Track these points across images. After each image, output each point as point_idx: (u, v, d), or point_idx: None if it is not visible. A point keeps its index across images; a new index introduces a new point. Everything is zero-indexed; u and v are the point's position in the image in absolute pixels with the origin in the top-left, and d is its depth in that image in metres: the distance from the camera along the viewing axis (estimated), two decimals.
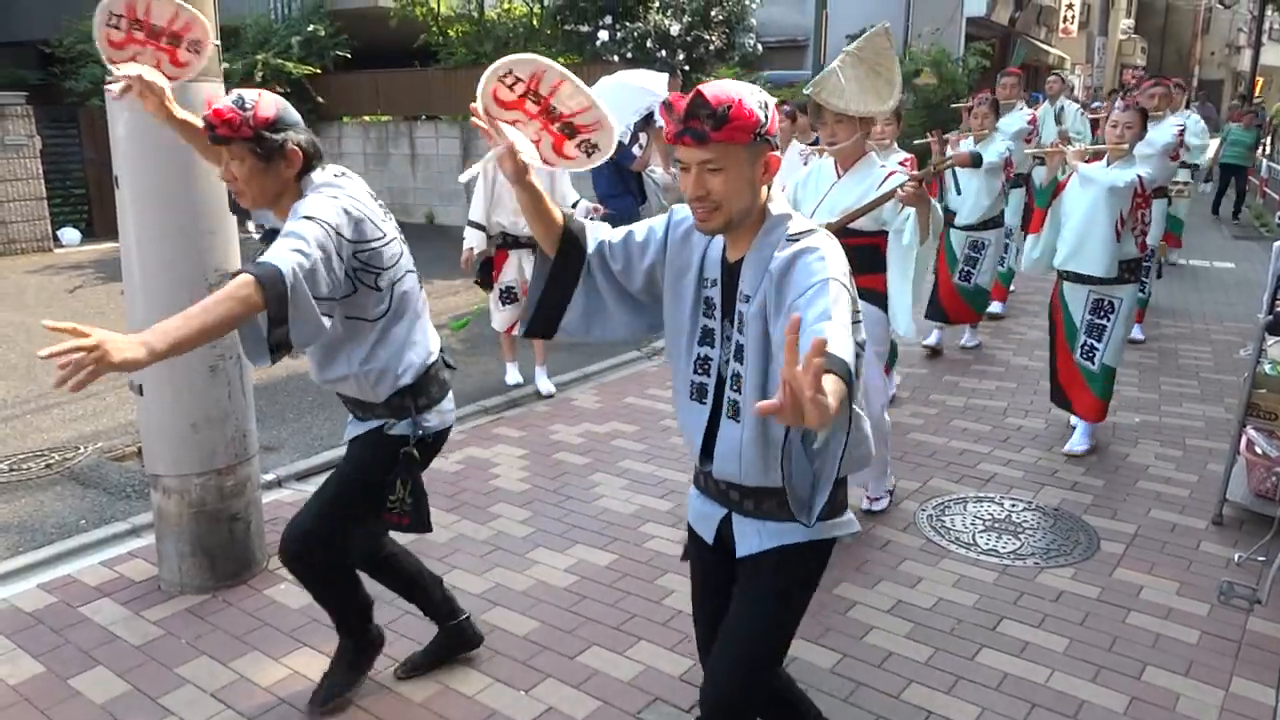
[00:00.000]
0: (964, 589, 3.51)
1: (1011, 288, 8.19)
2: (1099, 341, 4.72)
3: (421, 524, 2.69)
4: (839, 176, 3.70)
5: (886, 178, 3.55)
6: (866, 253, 3.54)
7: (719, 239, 1.95)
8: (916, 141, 6.91)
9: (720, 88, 1.75)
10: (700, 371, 1.99)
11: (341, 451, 4.91)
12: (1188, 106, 9.46)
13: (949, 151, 6.31)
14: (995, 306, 7.78)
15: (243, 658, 3.07)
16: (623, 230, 2.11)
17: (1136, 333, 6.95)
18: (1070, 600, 3.42)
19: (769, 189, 1.90)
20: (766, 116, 1.78)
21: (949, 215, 6.48)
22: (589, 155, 2.14)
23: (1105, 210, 4.50)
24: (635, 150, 7.34)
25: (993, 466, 4.69)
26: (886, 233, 3.65)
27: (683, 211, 2.01)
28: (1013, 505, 4.24)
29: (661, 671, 2.99)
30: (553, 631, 3.22)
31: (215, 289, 3.33)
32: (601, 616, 3.32)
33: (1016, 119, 7.60)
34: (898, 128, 5.29)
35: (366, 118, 14.44)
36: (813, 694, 2.86)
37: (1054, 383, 5.01)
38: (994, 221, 6.56)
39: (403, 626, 3.24)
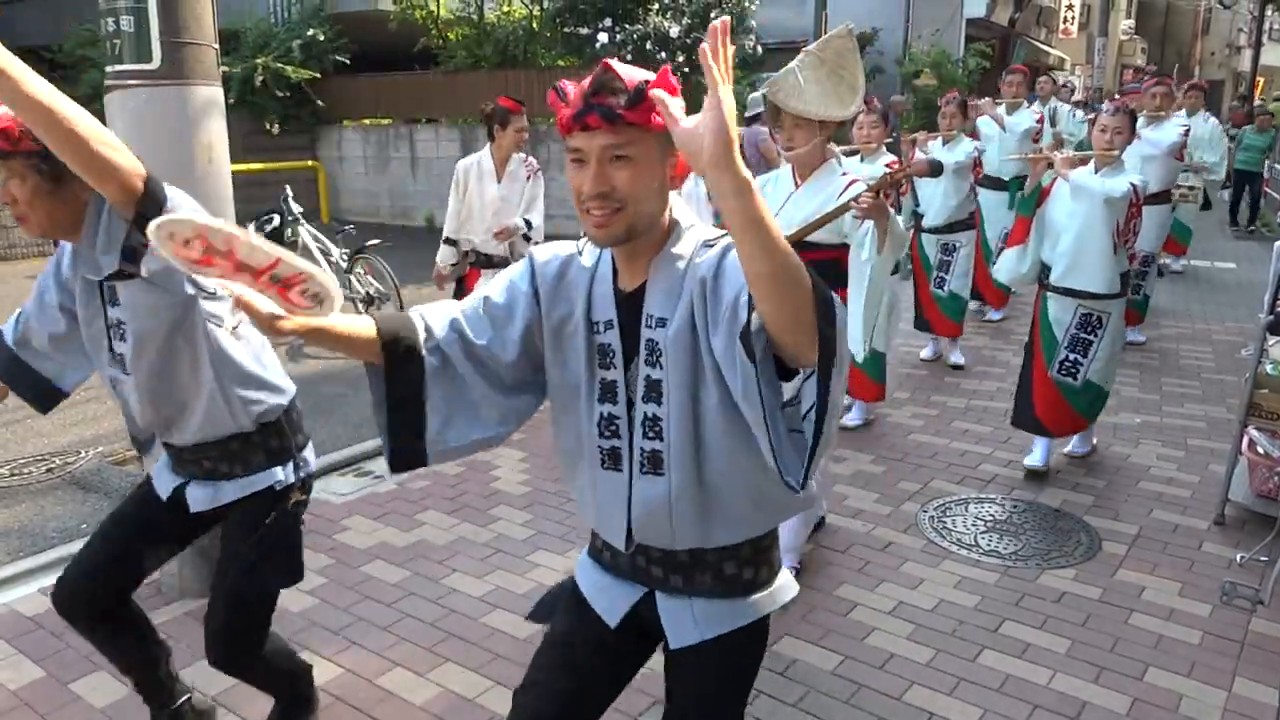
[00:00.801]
0: (965, 590, 3.50)
1: (1015, 290, 8.15)
2: (1083, 356, 4.42)
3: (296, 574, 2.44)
4: (797, 185, 3.44)
5: (848, 186, 3.30)
6: (826, 267, 3.32)
7: (604, 273, 1.64)
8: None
9: (631, 67, 1.51)
10: (609, 434, 1.65)
11: (342, 454, 4.92)
12: (1209, 109, 9.26)
13: (918, 154, 6.26)
14: (993, 313, 7.75)
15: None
16: (473, 299, 1.72)
17: (1135, 335, 6.90)
18: (1072, 601, 3.42)
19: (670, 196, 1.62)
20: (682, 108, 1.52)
21: (917, 219, 6.40)
22: (320, 304, 1.47)
23: (1102, 222, 4.24)
24: None
25: (994, 468, 4.68)
26: (848, 246, 3.42)
27: (544, 253, 1.71)
28: (1014, 506, 4.23)
29: (662, 674, 2.98)
30: None
31: (214, 290, 3.34)
32: None
33: (1024, 118, 7.43)
34: (885, 131, 5.13)
35: (367, 121, 14.46)
36: (813, 696, 2.87)
37: (1020, 404, 4.65)
38: (963, 224, 6.36)
39: (404, 630, 3.24)
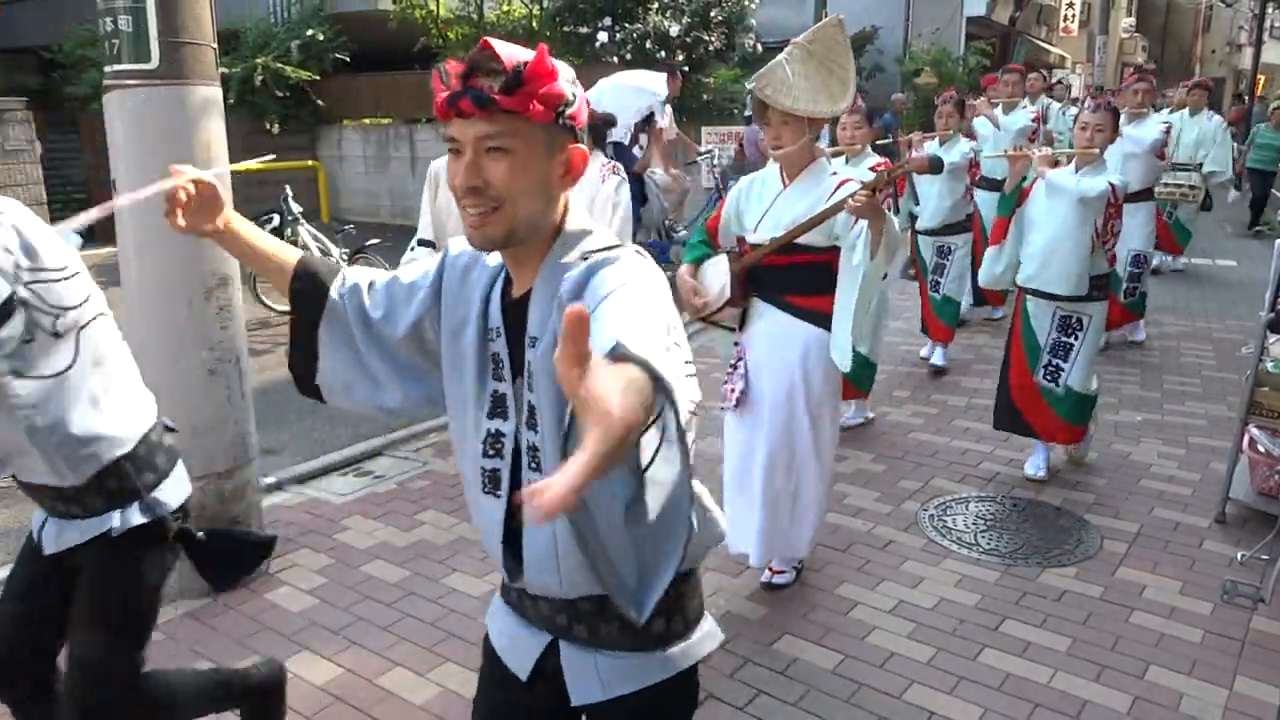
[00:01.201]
0: (966, 589, 3.50)
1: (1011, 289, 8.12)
2: (1064, 361, 4.31)
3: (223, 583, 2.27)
4: (785, 185, 3.24)
5: (839, 186, 3.10)
6: (817, 271, 3.19)
7: (504, 276, 1.49)
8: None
9: (514, 46, 1.34)
10: (492, 453, 1.48)
11: (342, 454, 4.93)
12: (1212, 107, 9.10)
13: (914, 153, 6.11)
14: (996, 311, 7.70)
15: (243, 662, 3.05)
16: (390, 272, 1.67)
17: (1138, 333, 6.87)
18: (1072, 600, 3.41)
19: (567, 197, 1.45)
20: (574, 95, 1.37)
21: (913, 219, 6.24)
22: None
23: (1076, 223, 4.12)
24: (635, 152, 7.35)
25: (995, 466, 4.68)
26: (839, 249, 3.18)
27: (458, 245, 1.55)
28: (1014, 505, 4.23)
29: None
30: None
31: (214, 293, 3.35)
32: None
33: (1020, 117, 7.33)
34: (870, 131, 5.00)
35: (366, 121, 14.46)
36: (814, 694, 2.86)
37: (1002, 405, 4.57)
38: (959, 226, 6.23)
39: (404, 630, 3.24)
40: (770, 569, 3.52)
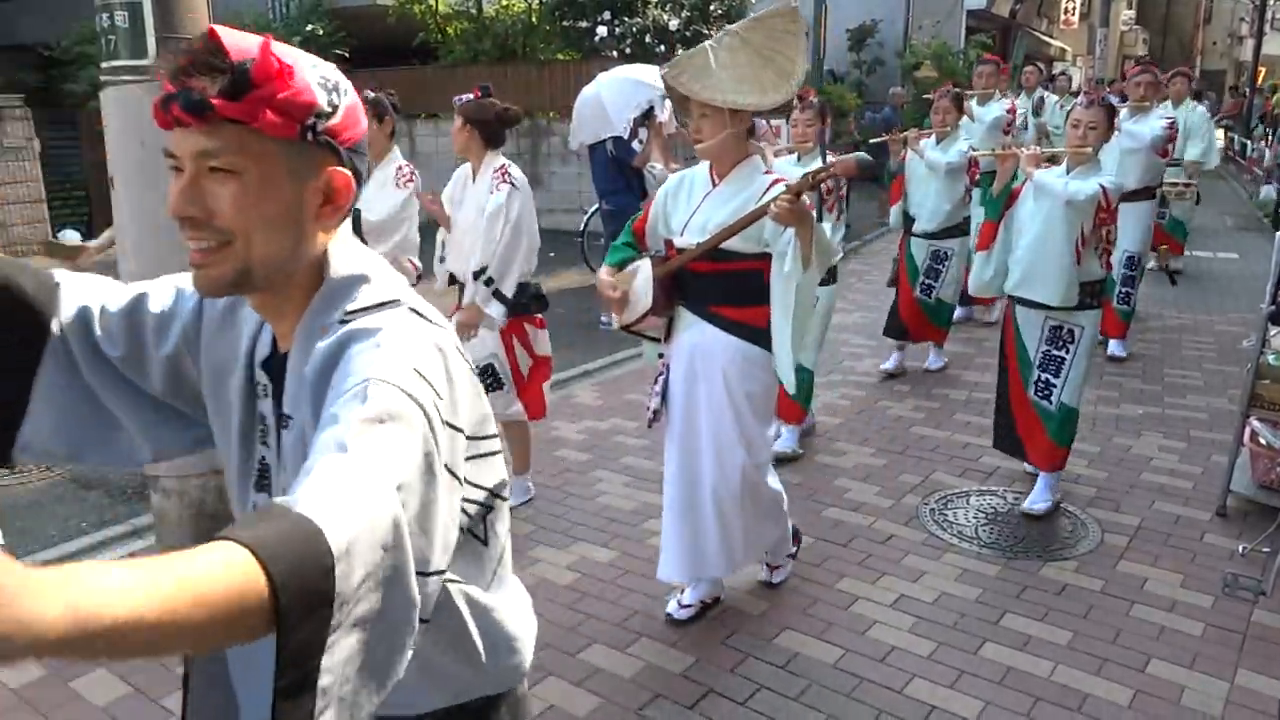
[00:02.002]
0: (966, 583, 3.50)
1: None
2: (1055, 376, 3.97)
3: None
4: (715, 184, 2.99)
5: (770, 187, 2.85)
6: (746, 280, 2.93)
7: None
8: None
9: (252, 37, 1.04)
10: None
11: None
12: (1197, 98, 8.78)
13: (914, 151, 5.77)
14: (990, 312, 7.57)
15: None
16: (130, 291, 1.27)
17: (1118, 349, 6.39)
18: (1073, 593, 3.41)
19: (333, 233, 1.13)
20: (333, 104, 1.06)
21: (908, 222, 5.94)
22: None
23: (1062, 228, 3.80)
24: (635, 145, 7.34)
25: (995, 460, 4.67)
26: (771, 256, 2.89)
27: None
28: (1015, 499, 4.22)
29: (663, 668, 2.98)
30: (554, 629, 3.21)
31: None
32: (603, 613, 3.31)
33: (993, 109, 6.98)
34: (822, 127, 4.60)
35: None
36: (815, 689, 2.86)
37: (1000, 424, 4.29)
38: (958, 229, 5.85)
39: None
40: (769, 565, 3.50)
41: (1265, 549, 3.50)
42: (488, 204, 3.72)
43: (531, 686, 2.89)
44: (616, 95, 7.28)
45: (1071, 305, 3.85)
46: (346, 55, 13.93)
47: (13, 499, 4.34)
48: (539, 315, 3.99)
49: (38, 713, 2.80)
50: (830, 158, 2.80)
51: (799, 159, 4.60)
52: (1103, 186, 3.76)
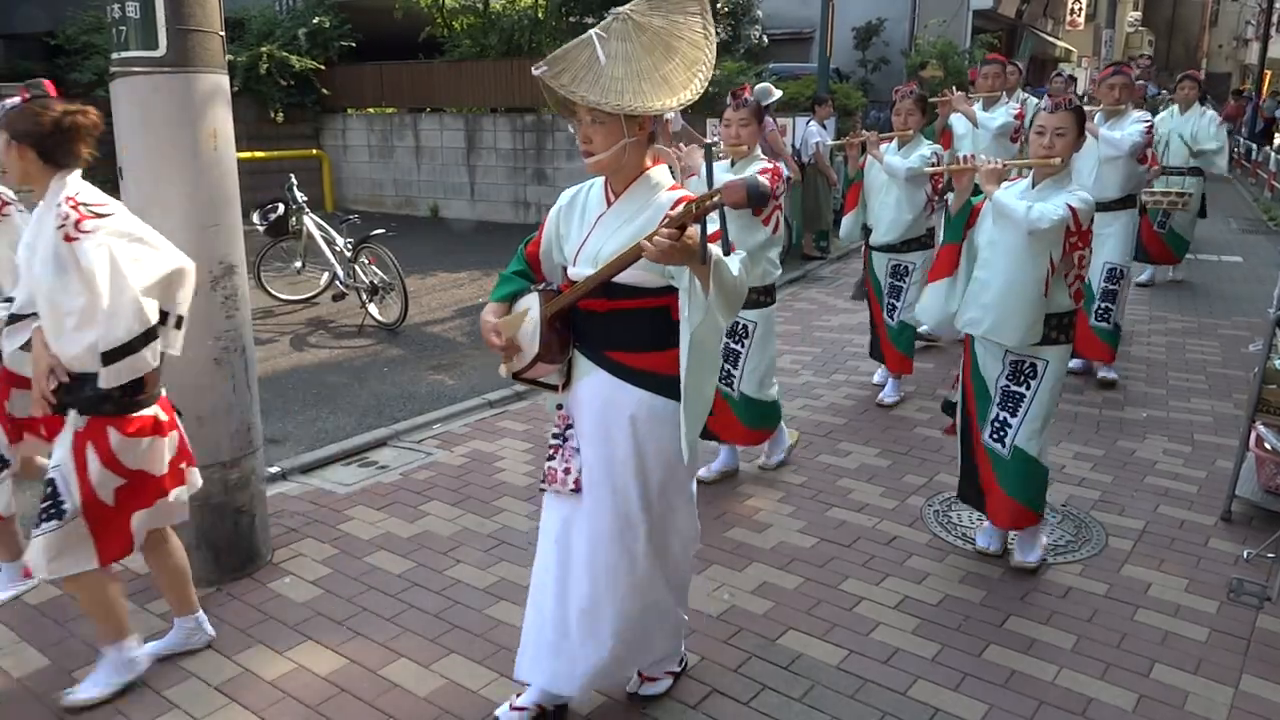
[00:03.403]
0: (971, 585, 3.49)
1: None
2: (1013, 415, 3.48)
3: None
4: (609, 202, 2.49)
5: (674, 205, 2.34)
6: (648, 320, 2.41)
7: None
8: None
9: None
10: None
11: (346, 444, 4.92)
12: (1202, 101, 8.39)
13: (873, 156, 5.30)
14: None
15: (247, 651, 3.06)
16: None
17: (1109, 372, 5.90)
18: (1078, 597, 3.41)
19: None
20: None
21: (866, 234, 5.54)
22: None
23: (1026, 260, 3.31)
24: None
25: None
26: (677, 291, 2.36)
27: None
28: None
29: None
30: None
31: (219, 281, 3.34)
32: None
33: (1000, 114, 6.42)
34: (759, 129, 4.15)
35: (371, 110, 14.43)
36: (819, 690, 2.86)
37: (965, 470, 3.77)
38: (919, 242, 5.40)
39: (408, 621, 3.24)
40: (641, 675, 2.80)
41: (1270, 554, 3.49)
42: (45, 246, 2.61)
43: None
44: None
45: (1037, 341, 3.40)
46: (353, 48, 13.93)
47: (19, 491, 4.33)
48: (145, 413, 2.73)
49: (41, 703, 2.80)
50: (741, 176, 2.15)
51: (732, 164, 4.15)
52: (1070, 207, 3.24)
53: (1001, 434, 3.53)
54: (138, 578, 3.51)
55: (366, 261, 7.57)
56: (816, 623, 3.23)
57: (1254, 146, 19.34)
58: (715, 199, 2.09)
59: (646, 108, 2.26)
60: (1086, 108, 5.60)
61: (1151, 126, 5.81)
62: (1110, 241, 5.76)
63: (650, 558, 2.56)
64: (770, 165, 4.05)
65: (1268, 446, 3.98)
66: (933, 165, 5.03)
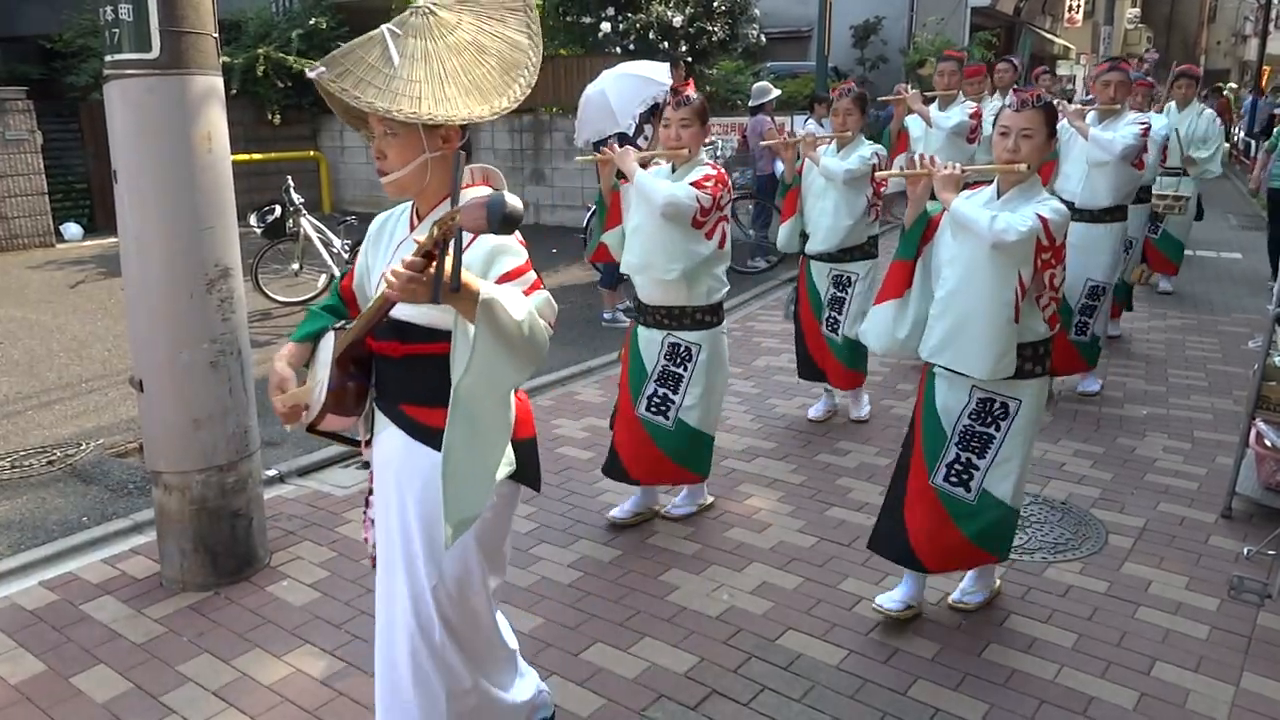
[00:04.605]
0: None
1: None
2: (980, 457, 3.04)
3: None
4: (412, 226, 2.16)
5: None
6: (441, 367, 1.93)
7: None
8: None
9: None
10: None
11: (345, 447, 4.91)
12: (1203, 99, 8.07)
13: (809, 159, 4.85)
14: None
15: (245, 655, 3.05)
16: None
17: (1091, 383, 5.63)
18: (1078, 595, 3.40)
19: None
20: None
21: (803, 241, 5.08)
22: None
23: (994, 279, 2.87)
24: (640, 142, 7.31)
25: None
26: None
27: None
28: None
29: (666, 668, 2.97)
30: (556, 628, 3.20)
31: (215, 284, 3.33)
32: (605, 613, 3.30)
33: (955, 113, 6.05)
34: (701, 130, 3.68)
35: None
36: (819, 690, 2.85)
37: (885, 522, 3.29)
38: (861, 250, 4.97)
39: None
40: None
41: (1271, 551, 3.48)
42: None
43: None
44: (621, 92, 7.24)
45: (1008, 376, 2.97)
46: None
47: (14, 492, 4.33)
48: None
49: (37, 708, 2.79)
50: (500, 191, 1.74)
51: (673, 169, 3.75)
52: (1041, 218, 2.83)
53: (964, 477, 3.07)
54: (135, 582, 3.50)
55: None
56: (816, 622, 3.22)
57: (1252, 143, 19.35)
58: (453, 221, 1.63)
59: (450, 116, 1.90)
60: (1079, 106, 5.51)
61: (1148, 128, 5.29)
62: (1097, 256, 5.31)
63: (433, 651, 2.16)
64: (713, 172, 3.61)
65: (1268, 443, 3.97)
66: (874, 166, 4.72)
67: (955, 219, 2.94)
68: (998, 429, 3.03)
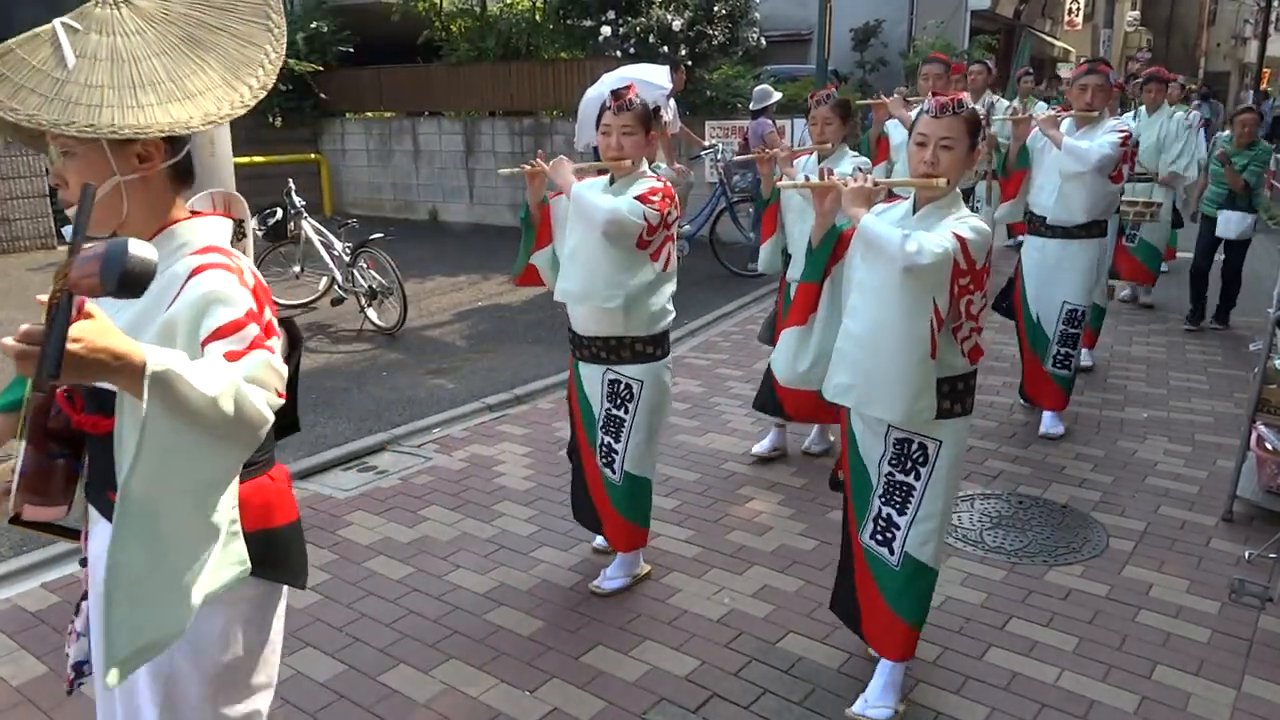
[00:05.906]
0: (971, 587, 3.48)
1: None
2: (900, 514, 2.70)
3: None
4: None
5: (191, 276, 1.56)
6: None
7: None
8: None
9: None
10: None
11: (345, 449, 4.91)
12: (1189, 101, 7.79)
13: (787, 174, 4.18)
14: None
15: None
16: None
17: (1052, 424, 5.01)
18: (1079, 598, 3.40)
19: None
20: None
21: (786, 264, 4.42)
22: None
23: (906, 307, 2.50)
24: None
25: (999, 463, 4.65)
26: None
27: None
28: (1020, 502, 4.20)
29: (667, 671, 2.97)
30: (557, 631, 3.20)
31: None
32: (606, 616, 3.30)
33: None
34: (645, 139, 3.24)
35: (369, 114, 14.43)
36: (819, 693, 2.85)
37: (840, 581, 3.02)
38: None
39: (407, 626, 3.23)
40: None
41: (1272, 555, 3.48)
42: None
43: (534, 689, 2.89)
44: None
45: (927, 419, 2.60)
46: (351, 52, 13.93)
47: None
48: None
49: (39, 710, 2.79)
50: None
51: (611, 181, 3.33)
52: (959, 238, 2.46)
53: (887, 536, 2.74)
54: None
55: (365, 266, 7.56)
56: (817, 626, 3.22)
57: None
58: (65, 279, 1.22)
59: (141, 126, 1.47)
60: (1052, 113, 4.99)
61: (1128, 137, 4.75)
62: (1071, 276, 4.86)
63: None
64: (659, 185, 3.19)
65: (1269, 446, 3.97)
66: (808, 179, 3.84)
67: (863, 238, 2.58)
68: (917, 477, 2.67)
